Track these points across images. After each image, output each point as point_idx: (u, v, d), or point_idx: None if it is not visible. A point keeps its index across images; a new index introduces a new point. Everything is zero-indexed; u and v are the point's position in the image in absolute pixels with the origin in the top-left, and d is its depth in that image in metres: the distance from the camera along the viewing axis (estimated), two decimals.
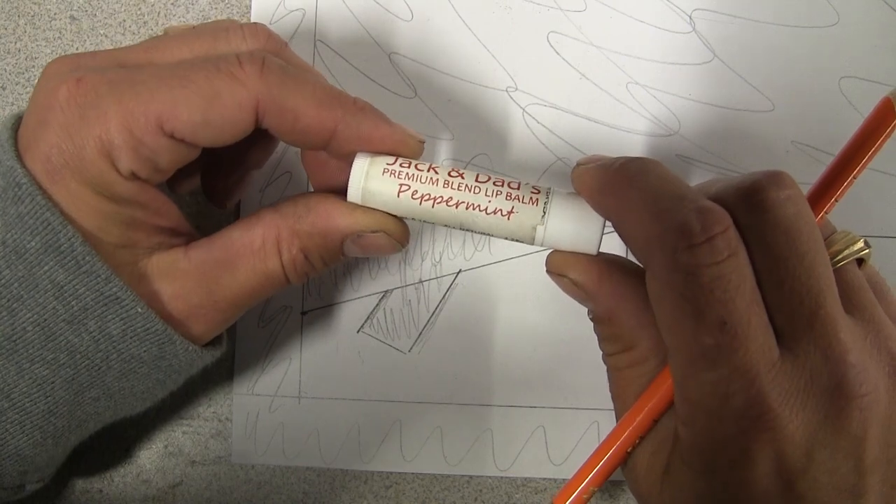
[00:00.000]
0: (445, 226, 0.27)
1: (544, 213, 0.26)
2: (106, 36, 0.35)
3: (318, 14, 0.35)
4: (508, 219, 0.26)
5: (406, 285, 0.34)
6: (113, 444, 0.35)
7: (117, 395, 0.27)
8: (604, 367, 0.34)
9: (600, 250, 0.27)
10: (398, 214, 0.27)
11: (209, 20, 0.35)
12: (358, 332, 0.34)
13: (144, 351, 0.26)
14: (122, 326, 0.25)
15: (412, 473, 0.35)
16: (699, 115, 0.34)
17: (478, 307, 0.34)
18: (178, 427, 0.35)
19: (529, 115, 0.34)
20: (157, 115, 0.24)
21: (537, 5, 0.35)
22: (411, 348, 0.34)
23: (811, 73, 0.34)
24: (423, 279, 0.34)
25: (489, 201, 0.26)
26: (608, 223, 0.26)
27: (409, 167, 0.26)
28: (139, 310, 0.25)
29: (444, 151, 0.34)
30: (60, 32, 0.35)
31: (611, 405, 0.35)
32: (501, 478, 0.34)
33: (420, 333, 0.34)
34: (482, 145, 0.34)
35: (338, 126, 0.26)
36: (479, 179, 0.26)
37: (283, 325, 0.34)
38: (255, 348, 0.34)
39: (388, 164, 0.26)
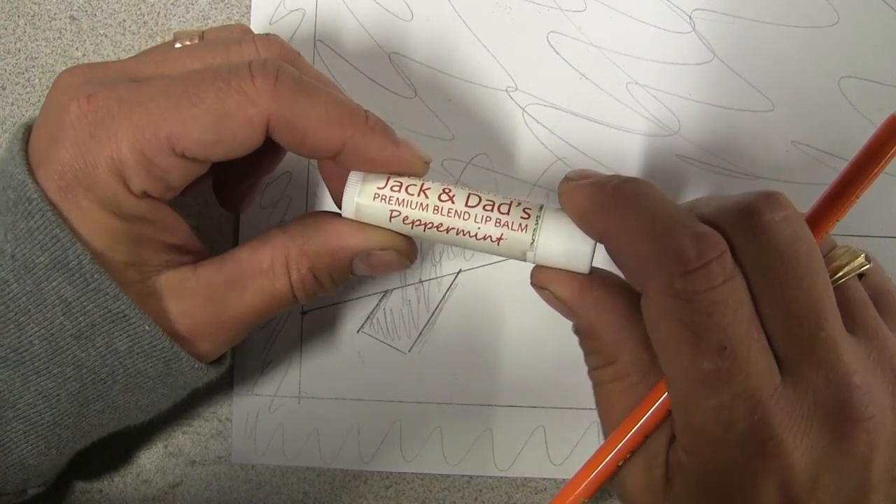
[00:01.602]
0: (438, 243, 0.27)
1: (533, 239, 0.26)
2: (106, 36, 0.35)
3: (318, 14, 0.35)
4: (498, 244, 0.26)
5: (406, 285, 0.34)
6: (113, 444, 0.35)
7: (122, 408, 0.27)
8: None
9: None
10: (396, 228, 0.27)
11: (209, 21, 0.35)
12: (358, 332, 0.34)
13: (150, 367, 0.26)
14: (128, 343, 0.25)
15: (412, 473, 0.35)
16: (699, 115, 0.34)
17: (478, 307, 0.34)
18: (178, 427, 0.35)
19: (529, 115, 0.34)
20: (168, 136, 0.24)
21: (537, 5, 0.35)
22: (411, 348, 0.34)
23: (811, 73, 0.34)
24: (423, 279, 0.34)
25: (478, 228, 0.26)
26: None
27: (399, 191, 0.26)
28: (146, 328, 0.25)
29: (444, 151, 0.34)
30: (60, 32, 0.35)
31: None
32: (501, 478, 0.34)
33: (420, 333, 0.34)
34: (482, 145, 0.34)
35: (346, 145, 0.25)
36: (469, 203, 0.26)
37: (283, 325, 0.34)
38: (255, 348, 0.34)
39: (378, 188, 0.26)
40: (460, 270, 0.34)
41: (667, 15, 0.34)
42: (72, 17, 0.35)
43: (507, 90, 0.34)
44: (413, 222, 0.26)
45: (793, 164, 0.34)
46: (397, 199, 0.26)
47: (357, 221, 0.27)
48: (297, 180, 0.35)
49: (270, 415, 0.34)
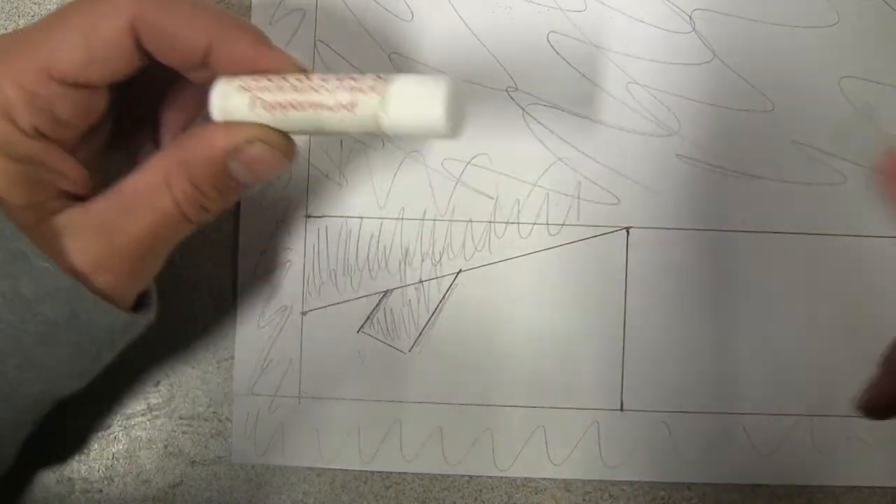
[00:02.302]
0: (307, 133, 0.26)
1: (384, 98, 0.25)
2: None
3: (318, 14, 0.35)
4: (352, 112, 0.25)
5: (406, 285, 0.34)
6: (113, 444, 0.35)
7: (42, 365, 0.26)
8: (603, 364, 0.34)
9: None
10: (264, 123, 0.26)
11: None
12: (358, 332, 0.34)
13: (58, 311, 0.25)
14: (33, 287, 0.25)
15: (412, 473, 0.35)
16: (699, 115, 0.34)
17: (478, 307, 0.34)
18: (178, 427, 0.35)
19: (529, 115, 0.34)
20: (43, 64, 0.25)
21: (537, 5, 0.35)
22: (411, 348, 0.34)
23: (811, 73, 0.34)
24: (423, 279, 0.34)
25: (332, 97, 0.25)
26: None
27: (261, 80, 0.26)
28: (46, 265, 0.25)
29: (444, 151, 0.34)
30: None
31: (611, 404, 0.35)
32: (501, 478, 0.34)
33: (420, 333, 0.34)
34: (482, 145, 0.34)
35: (213, 45, 0.26)
36: (325, 79, 0.25)
37: (283, 325, 0.34)
38: (255, 348, 0.34)
39: (243, 80, 0.26)
40: (460, 270, 0.34)
41: (667, 15, 0.34)
42: None
43: (507, 90, 0.34)
44: (273, 105, 0.25)
45: (793, 164, 0.34)
46: (258, 85, 0.26)
47: (225, 122, 0.26)
48: (297, 179, 0.35)
49: (270, 415, 0.34)
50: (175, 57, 0.26)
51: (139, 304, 0.28)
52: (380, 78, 0.25)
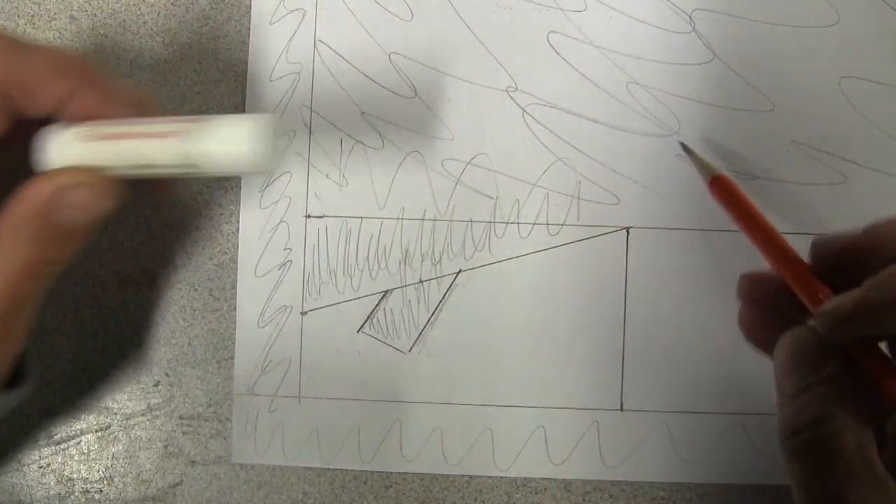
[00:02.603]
0: (130, 170, 0.26)
1: (200, 132, 0.25)
2: (106, 36, 0.35)
3: (318, 14, 0.35)
4: (166, 140, 0.26)
5: (406, 285, 0.34)
6: (113, 444, 0.35)
7: None
8: (603, 364, 0.34)
9: None
10: (88, 165, 0.27)
11: (209, 20, 0.35)
12: (358, 332, 0.34)
13: None
14: None
15: (412, 473, 0.35)
16: (699, 115, 0.34)
17: (478, 307, 0.34)
18: (178, 427, 0.35)
19: (529, 115, 0.34)
20: None
21: (537, 5, 0.35)
22: (411, 348, 0.34)
23: (811, 73, 0.34)
24: (423, 279, 0.34)
25: (154, 128, 0.26)
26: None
27: (95, 121, 0.27)
28: None
29: (444, 151, 0.34)
30: (60, 32, 0.35)
31: (611, 404, 0.35)
32: (501, 478, 0.34)
33: (420, 333, 0.34)
34: (482, 145, 0.34)
35: (71, 97, 0.26)
36: (150, 120, 0.26)
37: (283, 325, 0.34)
38: (255, 348, 0.34)
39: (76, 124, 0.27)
40: (460, 270, 0.34)
41: (667, 15, 0.34)
42: (72, 17, 0.35)
43: (507, 90, 0.34)
44: (98, 136, 0.26)
45: (793, 164, 0.34)
46: (89, 121, 0.27)
47: (45, 173, 0.26)
48: (297, 181, 0.35)
49: (270, 415, 0.34)
50: (31, 111, 0.27)
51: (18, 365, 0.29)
52: (201, 118, 0.26)
